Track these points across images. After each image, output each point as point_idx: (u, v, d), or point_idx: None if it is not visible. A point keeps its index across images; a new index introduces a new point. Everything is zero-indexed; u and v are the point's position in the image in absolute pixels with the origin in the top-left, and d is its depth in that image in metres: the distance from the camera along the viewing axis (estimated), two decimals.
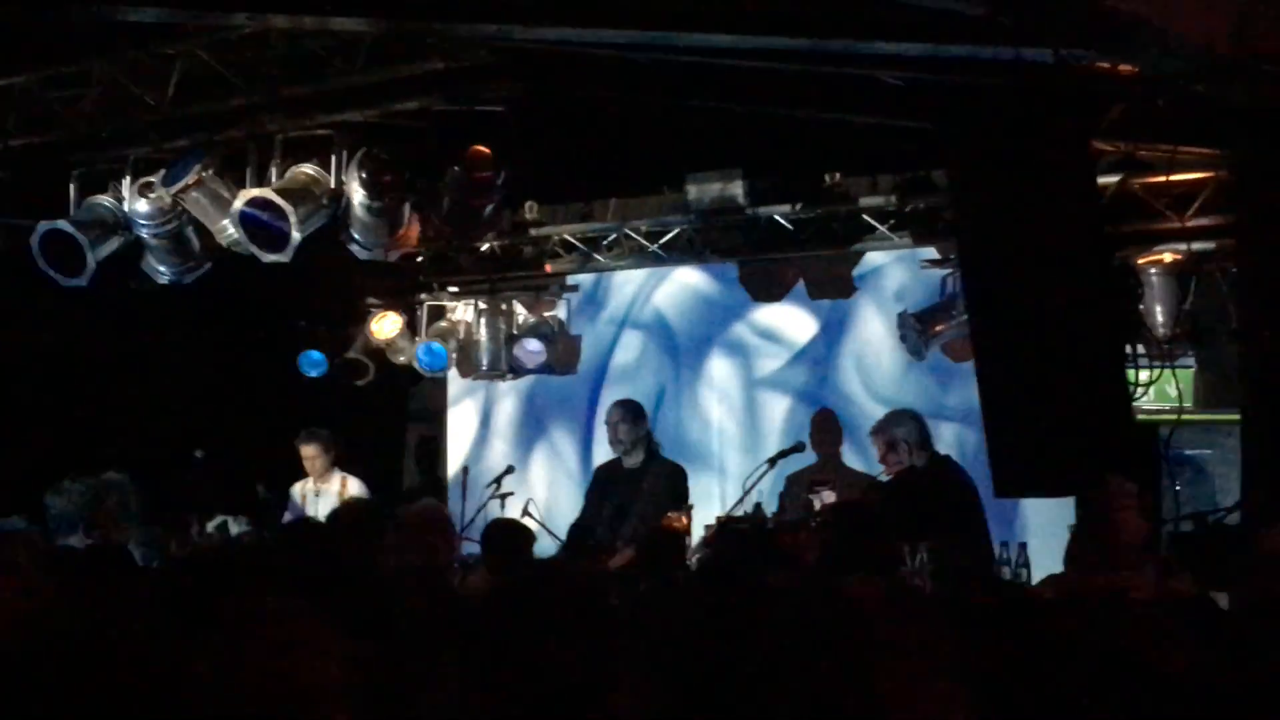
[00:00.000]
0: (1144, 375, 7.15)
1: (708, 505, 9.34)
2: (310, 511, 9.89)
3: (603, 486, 9.41)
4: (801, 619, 2.81)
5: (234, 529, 9.05)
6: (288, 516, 10.10)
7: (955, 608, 3.18)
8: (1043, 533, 8.21)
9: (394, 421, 12.57)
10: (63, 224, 8.97)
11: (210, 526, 8.80)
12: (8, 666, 2.95)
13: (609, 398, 10.94)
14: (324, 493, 10.20)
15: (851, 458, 10.10)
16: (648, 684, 2.81)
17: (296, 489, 10.40)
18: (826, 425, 10.39)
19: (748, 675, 3.01)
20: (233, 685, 2.37)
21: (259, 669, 2.38)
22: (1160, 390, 7.74)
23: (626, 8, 6.47)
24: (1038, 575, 7.18)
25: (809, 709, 2.74)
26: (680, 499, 8.94)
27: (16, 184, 9.33)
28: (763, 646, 2.97)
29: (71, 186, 9.19)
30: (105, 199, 9.12)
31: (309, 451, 10.28)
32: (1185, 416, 7.56)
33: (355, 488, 10.22)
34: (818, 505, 8.40)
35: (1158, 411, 8.16)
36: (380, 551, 5.97)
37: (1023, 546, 7.33)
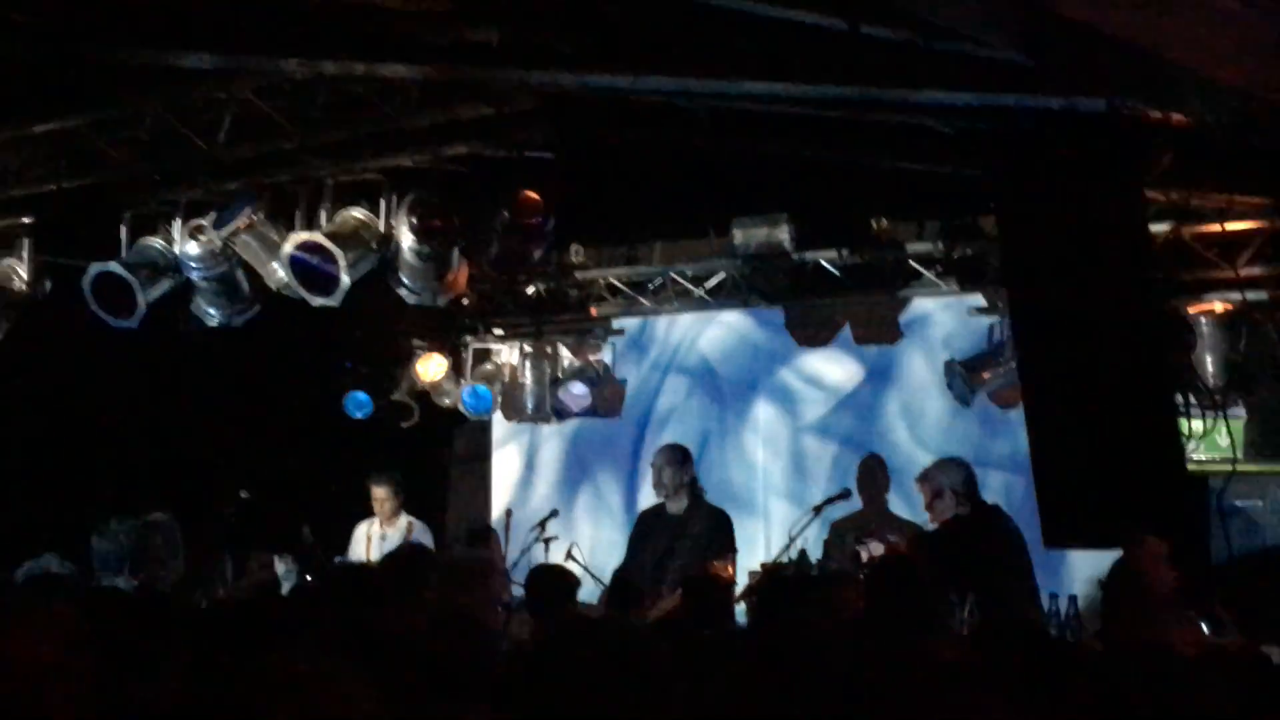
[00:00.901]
0: (1196, 425, 7.09)
1: (752, 552, 9.31)
2: (375, 554, 9.89)
3: (647, 532, 9.36)
4: (851, 676, 2.78)
5: (280, 568, 9.07)
6: (346, 558, 10.11)
7: (1000, 663, 3.14)
8: (1093, 584, 8.13)
9: (438, 464, 12.56)
10: (114, 266, 9.02)
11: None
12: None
13: (653, 442, 10.94)
14: (389, 536, 10.19)
15: (898, 505, 10.04)
16: None
17: (361, 530, 10.39)
18: (873, 472, 10.34)
19: None
20: None
21: None
22: (1211, 440, 7.67)
23: (675, 55, 6.49)
24: (1088, 629, 7.12)
25: None
26: (725, 546, 8.89)
27: (68, 226, 9.39)
28: (811, 703, 2.94)
29: (122, 229, 9.24)
30: (156, 241, 9.17)
31: (380, 493, 10.28)
32: (1237, 467, 7.48)
33: (420, 531, 10.23)
34: (865, 556, 8.35)
35: (1209, 462, 8.09)
36: (424, 599, 5.95)
37: (1072, 599, 7.26)
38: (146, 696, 3.71)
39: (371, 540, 10.23)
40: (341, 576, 6.44)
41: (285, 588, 8.45)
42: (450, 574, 5.83)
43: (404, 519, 10.29)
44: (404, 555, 7.28)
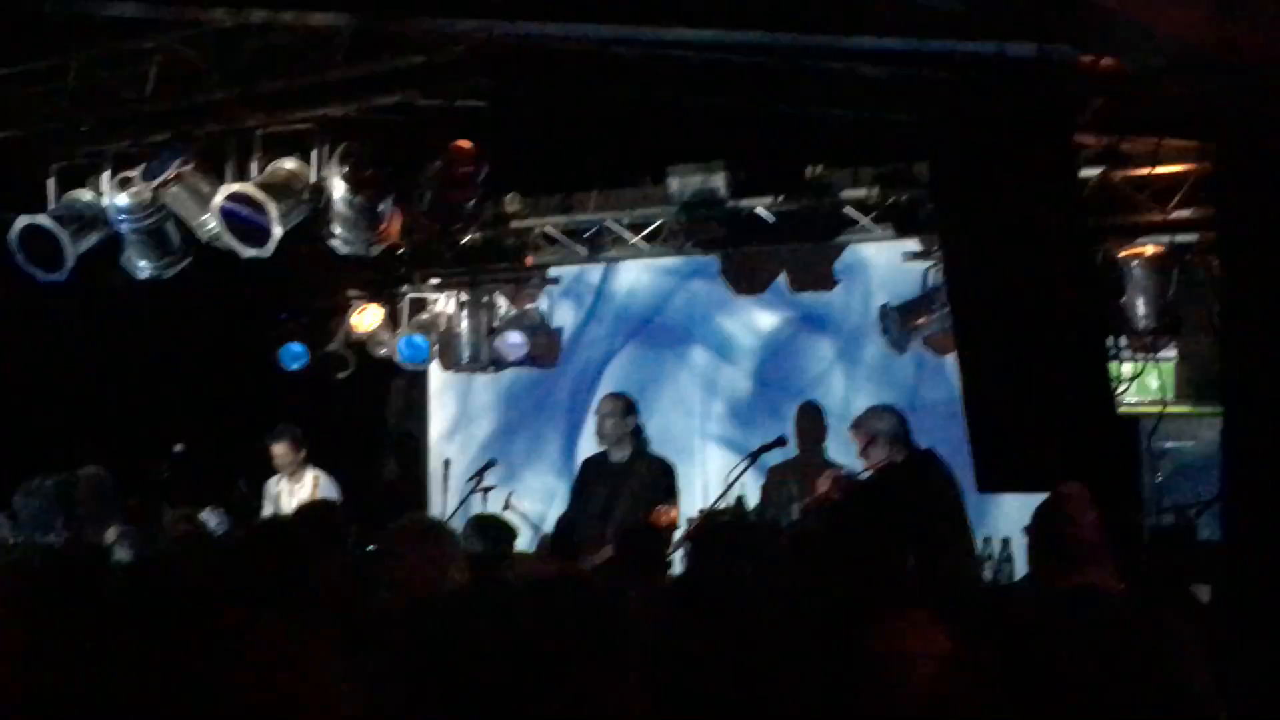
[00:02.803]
0: (1126, 369, 7.16)
1: (690, 500, 9.34)
2: (284, 508, 9.90)
3: (589, 481, 9.38)
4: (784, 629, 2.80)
5: (211, 522, 9.03)
6: (267, 510, 10.12)
7: (943, 614, 3.17)
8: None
9: (374, 414, 12.53)
10: (42, 219, 8.92)
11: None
12: None
13: (590, 390, 10.96)
14: (296, 490, 10.23)
15: (835, 452, 10.09)
16: (639, 690, 2.79)
17: (271, 484, 10.43)
18: (809, 419, 10.37)
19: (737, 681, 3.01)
20: (223, 703, 2.34)
21: (254, 688, 2.36)
22: (1142, 383, 7.75)
23: (607, 2, 6.45)
24: (1019, 570, 7.20)
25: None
26: (668, 494, 8.93)
27: None
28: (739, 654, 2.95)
29: (50, 181, 9.14)
30: (84, 194, 9.07)
31: (277, 450, 10.32)
32: (1167, 410, 7.56)
33: (326, 484, 10.25)
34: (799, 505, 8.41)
35: (1139, 404, 8.17)
36: (345, 557, 5.92)
37: (1005, 542, 7.34)
38: (84, 658, 3.69)
39: (281, 495, 10.27)
40: (262, 531, 6.39)
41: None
42: (400, 545, 5.78)
43: (310, 472, 10.31)
44: (318, 509, 7.25)
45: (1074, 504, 4.97)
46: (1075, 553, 4.92)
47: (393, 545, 5.04)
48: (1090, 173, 8.17)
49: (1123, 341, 7.56)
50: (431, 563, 4.91)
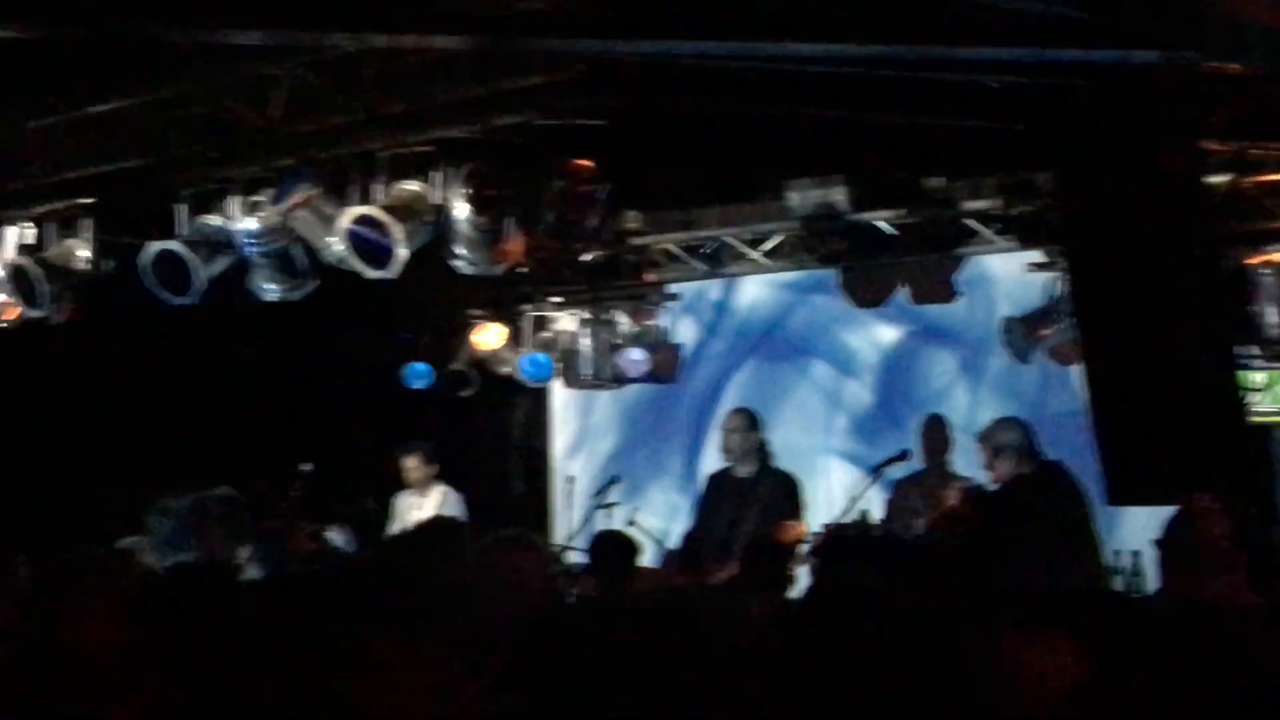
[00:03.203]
0: (1258, 378, 7.04)
1: (813, 514, 9.31)
2: (412, 523, 9.98)
3: (715, 497, 9.40)
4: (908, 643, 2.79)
5: (338, 540, 9.16)
6: (396, 526, 10.22)
7: (1073, 624, 3.14)
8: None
9: (498, 432, 12.62)
10: (172, 244, 9.09)
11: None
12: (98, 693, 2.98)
13: (711, 406, 10.97)
14: (424, 505, 10.33)
15: (960, 465, 10.01)
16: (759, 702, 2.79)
17: (400, 499, 10.53)
18: (934, 432, 10.30)
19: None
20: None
21: (375, 706, 2.38)
22: (1274, 393, 7.61)
23: (724, 19, 6.46)
24: (1151, 583, 7.10)
25: None
26: (794, 509, 8.93)
27: (127, 206, 9.46)
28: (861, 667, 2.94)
29: (179, 207, 9.31)
30: (213, 219, 9.23)
31: (409, 464, 10.43)
32: None
33: (454, 501, 10.33)
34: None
35: (1271, 414, 8.02)
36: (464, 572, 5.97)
37: (1135, 555, 7.23)
38: (213, 673, 3.76)
39: (411, 510, 10.36)
40: (384, 549, 6.46)
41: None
42: (493, 543, 5.82)
43: (437, 488, 10.41)
44: (439, 525, 7.30)
45: (1205, 515, 4.89)
46: (1207, 565, 4.85)
47: (482, 557, 5.08)
48: (1219, 179, 8.04)
49: (1253, 350, 7.42)
50: (520, 573, 4.94)
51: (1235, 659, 3.71)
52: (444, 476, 10.54)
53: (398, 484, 10.56)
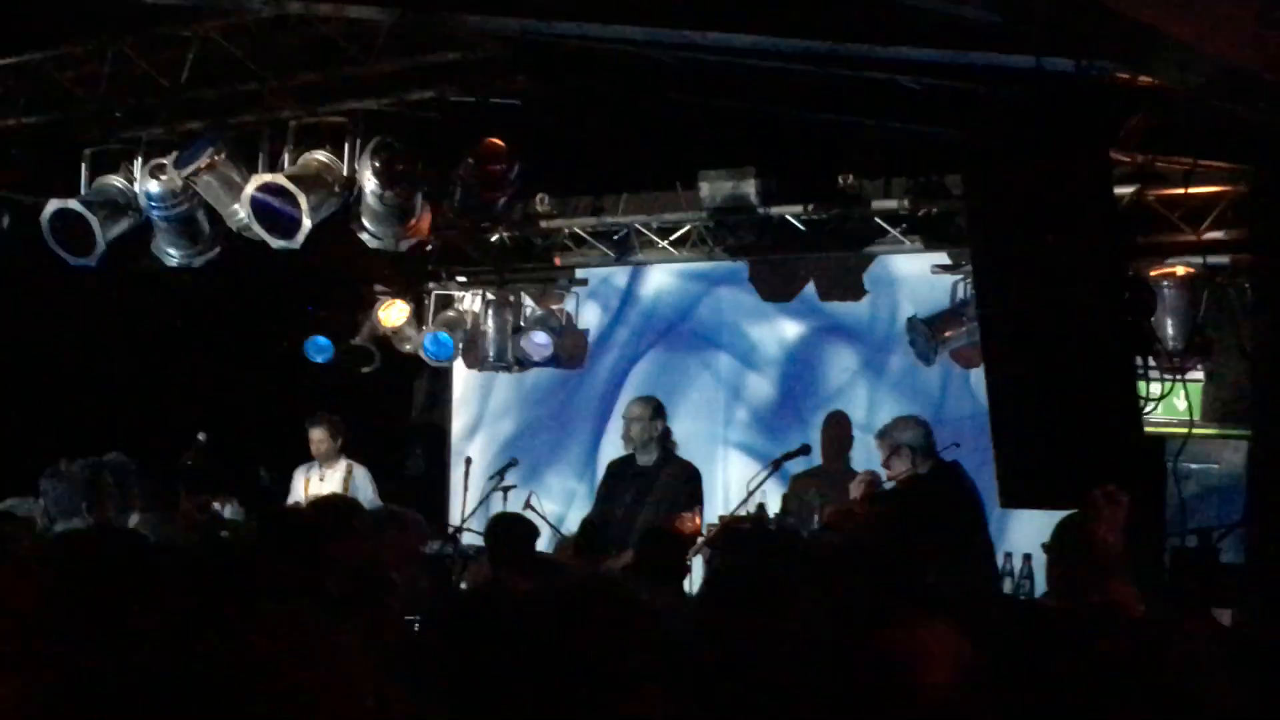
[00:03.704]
0: (1154, 388, 7.11)
1: (710, 506, 9.32)
2: (310, 495, 9.89)
3: (615, 483, 9.38)
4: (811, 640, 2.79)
5: (225, 511, 9.06)
6: (293, 498, 10.12)
7: (967, 624, 3.15)
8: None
9: (398, 410, 12.54)
10: (73, 203, 8.94)
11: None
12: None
13: (614, 393, 10.96)
14: (328, 478, 10.24)
15: (858, 462, 10.07)
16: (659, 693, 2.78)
17: (299, 473, 10.43)
18: (836, 429, 10.35)
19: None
20: (261, 693, 2.33)
21: (264, 677, 2.34)
22: (1169, 404, 7.70)
23: (646, 5, 6.44)
24: (1040, 587, 7.17)
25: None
26: (693, 500, 8.93)
27: (28, 162, 9.30)
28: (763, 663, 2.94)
29: (83, 166, 9.16)
30: (116, 179, 9.09)
31: (316, 435, 10.33)
32: (1194, 431, 7.51)
33: (360, 476, 10.26)
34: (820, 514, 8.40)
35: (1166, 424, 8.12)
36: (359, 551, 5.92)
37: (1027, 558, 7.30)
38: (121, 642, 3.69)
39: (310, 483, 10.28)
40: (276, 523, 6.39)
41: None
42: (365, 526, 5.78)
43: (343, 462, 10.34)
44: (333, 502, 7.25)
45: (1098, 522, 4.93)
46: (1097, 571, 4.89)
47: (356, 533, 5.05)
48: (1124, 190, 8.14)
49: (1151, 361, 7.50)
50: (394, 552, 4.92)
51: (1119, 661, 3.74)
52: (346, 452, 10.45)
53: (296, 456, 10.46)
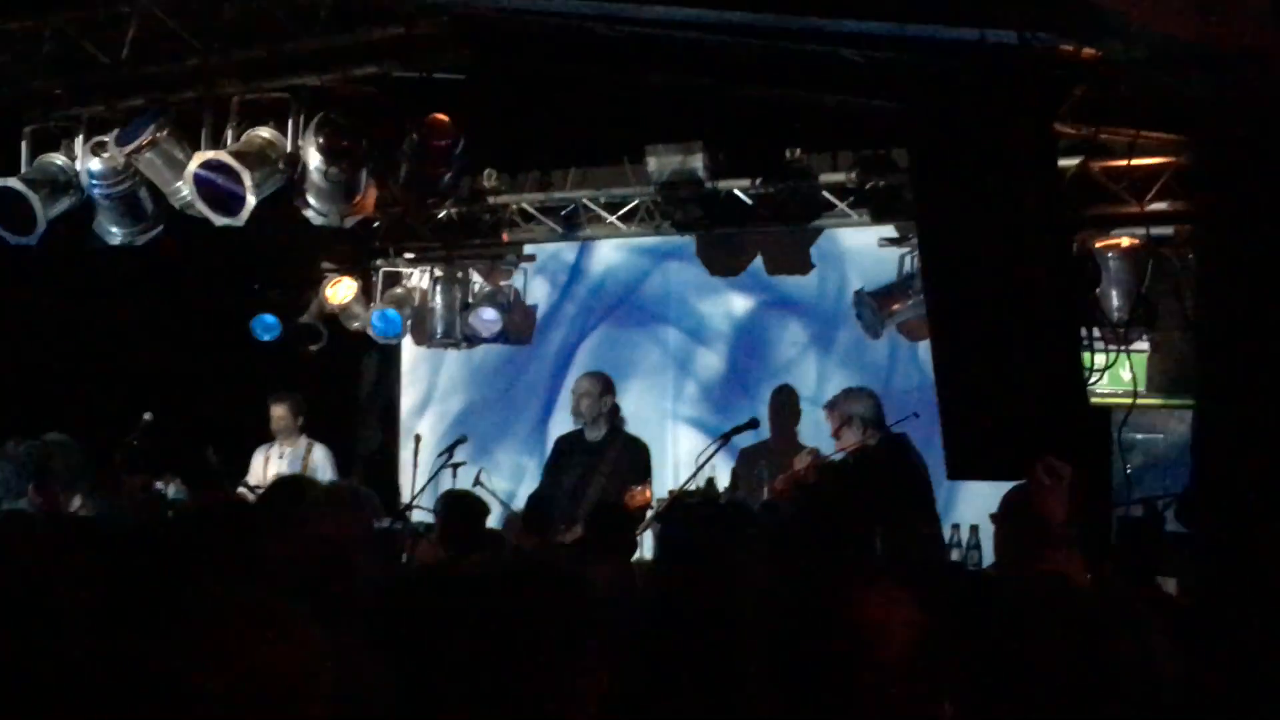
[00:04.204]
0: (1099, 359, 7.15)
1: (659, 480, 9.34)
2: (270, 473, 9.84)
3: (564, 458, 9.39)
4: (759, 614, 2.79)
5: (169, 491, 8.99)
6: (254, 477, 10.06)
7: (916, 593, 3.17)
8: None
9: (346, 387, 12.49)
10: (13, 182, 8.86)
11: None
12: None
13: (563, 368, 10.96)
14: (287, 455, 10.18)
15: (807, 436, 10.09)
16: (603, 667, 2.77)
17: (258, 453, 10.36)
18: (784, 403, 10.38)
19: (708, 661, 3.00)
20: (210, 678, 2.31)
21: (241, 664, 2.32)
22: (1114, 375, 7.75)
23: None
24: (987, 557, 7.21)
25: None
26: (643, 474, 8.95)
27: None
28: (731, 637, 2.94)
29: (23, 144, 9.07)
30: (57, 157, 9.02)
31: (278, 411, 10.28)
32: (1139, 401, 7.56)
33: (320, 455, 10.21)
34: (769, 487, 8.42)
35: (1111, 395, 8.17)
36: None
37: (974, 529, 7.34)
38: (62, 623, 3.66)
39: (270, 461, 10.23)
40: (219, 504, 6.34)
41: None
42: (316, 503, 5.74)
43: (304, 440, 10.29)
44: (285, 484, 7.21)
45: (1040, 492, 4.95)
46: (1041, 541, 4.91)
47: (303, 513, 5.01)
48: (1068, 162, 8.16)
49: (1096, 332, 7.54)
50: (341, 529, 4.89)
51: (1066, 632, 3.76)
52: (307, 431, 10.40)
53: (244, 435, 10.40)
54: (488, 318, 11.23)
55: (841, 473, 8.23)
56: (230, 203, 8.35)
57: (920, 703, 2.67)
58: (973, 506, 8.50)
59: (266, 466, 10.19)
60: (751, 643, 2.92)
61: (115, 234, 9.28)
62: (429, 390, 12.11)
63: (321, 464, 10.17)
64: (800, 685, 2.74)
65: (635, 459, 9.13)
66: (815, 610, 2.83)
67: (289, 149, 8.52)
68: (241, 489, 9.31)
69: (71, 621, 3.48)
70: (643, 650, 3.52)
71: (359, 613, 3.98)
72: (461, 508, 7.49)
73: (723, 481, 9.09)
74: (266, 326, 11.40)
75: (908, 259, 9.58)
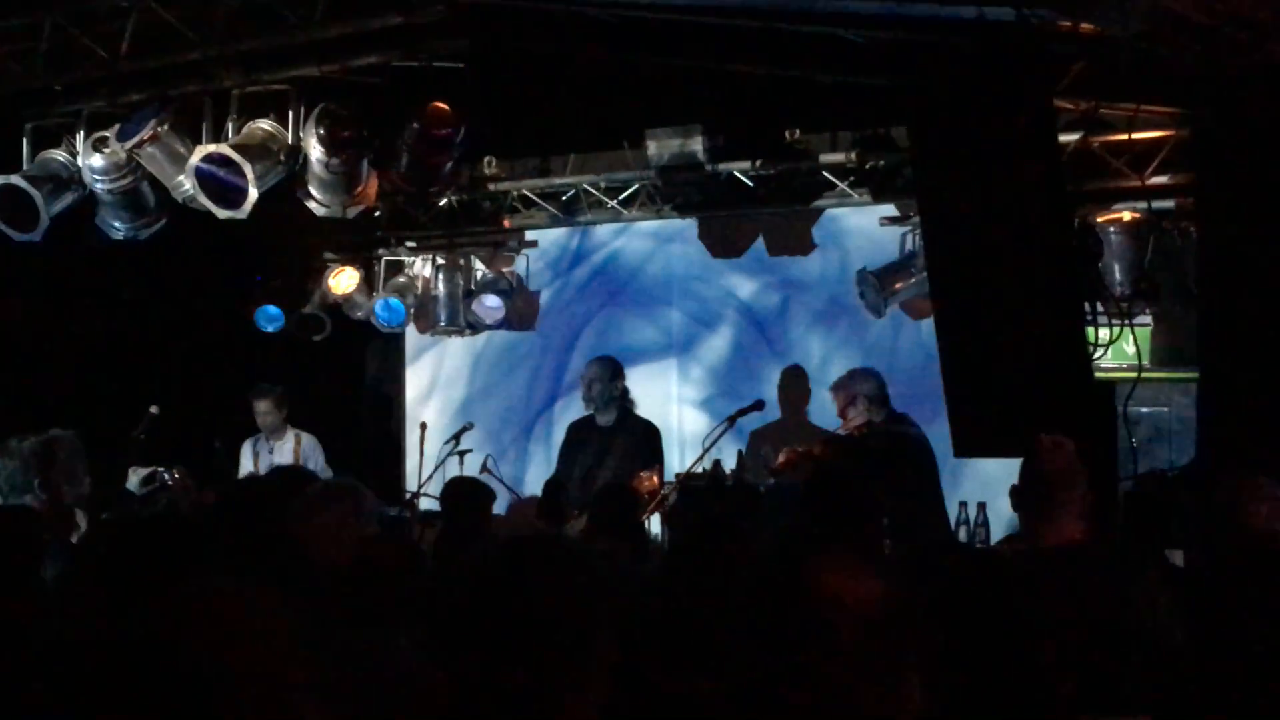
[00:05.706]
0: (1103, 334, 7.17)
1: (666, 463, 9.35)
2: (262, 469, 9.87)
3: (577, 444, 9.45)
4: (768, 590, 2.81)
5: (168, 480, 8.99)
6: (244, 470, 10.09)
7: (920, 571, 3.19)
8: (1001, 491, 8.22)
9: (351, 377, 12.51)
10: (16, 179, 8.87)
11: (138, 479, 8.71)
12: None
13: (567, 354, 10.95)
14: (276, 449, 10.23)
15: (816, 416, 10.11)
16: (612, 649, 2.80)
17: (247, 446, 10.41)
18: (793, 383, 10.40)
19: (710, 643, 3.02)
20: (191, 670, 2.33)
21: (220, 655, 2.35)
22: (1118, 349, 7.76)
23: None
24: (996, 534, 7.23)
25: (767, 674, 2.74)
26: (654, 457, 8.98)
27: None
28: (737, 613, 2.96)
29: (24, 141, 9.09)
30: (59, 154, 9.03)
31: (263, 407, 10.31)
32: (1143, 375, 7.57)
33: (308, 445, 10.24)
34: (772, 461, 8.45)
35: (1115, 369, 8.19)
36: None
37: (981, 506, 7.35)
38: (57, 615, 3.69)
39: (259, 456, 10.26)
40: (235, 493, 6.37)
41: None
42: (312, 495, 5.75)
43: (290, 432, 10.32)
44: (292, 474, 7.23)
45: (1043, 468, 4.97)
46: (1048, 516, 4.93)
47: (304, 507, 5.03)
48: (1069, 138, 8.17)
49: (1099, 307, 7.55)
50: (343, 523, 4.91)
51: (1072, 603, 3.79)
52: (297, 421, 10.43)
53: (250, 427, 10.44)
54: (491, 305, 11.24)
55: (846, 449, 8.26)
56: (232, 195, 8.36)
57: (883, 675, 2.69)
58: (980, 484, 8.53)
59: (256, 461, 10.24)
60: (741, 620, 2.94)
61: (118, 228, 9.30)
62: (433, 378, 12.13)
63: (311, 454, 10.21)
64: (763, 657, 2.77)
65: (647, 442, 9.18)
66: (774, 582, 2.86)
67: (290, 141, 8.53)
68: None
69: (73, 614, 3.51)
70: (648, 629, 3.55)
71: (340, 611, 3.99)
72: (468, 494, 7.50)
73: (729, 464, 9.11)
74: (270, 318, 11.41)
75: (909, 237, 9.58)
